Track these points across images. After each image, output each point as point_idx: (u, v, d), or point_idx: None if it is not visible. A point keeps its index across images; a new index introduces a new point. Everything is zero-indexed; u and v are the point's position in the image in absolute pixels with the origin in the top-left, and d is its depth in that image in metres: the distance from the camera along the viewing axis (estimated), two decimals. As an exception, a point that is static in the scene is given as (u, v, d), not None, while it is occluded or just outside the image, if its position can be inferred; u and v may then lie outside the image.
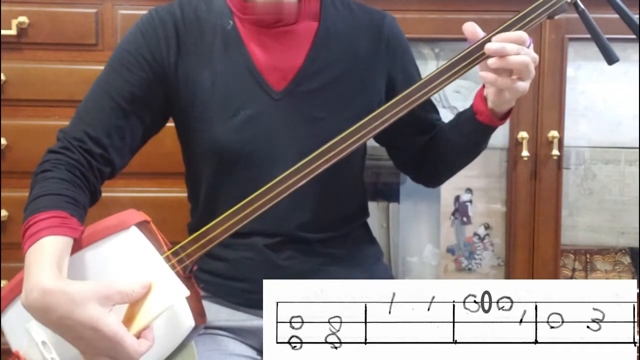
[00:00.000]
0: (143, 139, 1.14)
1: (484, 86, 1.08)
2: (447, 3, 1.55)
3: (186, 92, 1.12)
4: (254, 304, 1.14)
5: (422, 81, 1.03)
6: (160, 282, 0.92)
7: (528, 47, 1.00)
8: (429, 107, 1.22)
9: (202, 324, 0.99)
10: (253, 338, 1.16)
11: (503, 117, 1.10)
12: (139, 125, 1.11)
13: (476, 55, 1.01)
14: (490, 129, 1.11)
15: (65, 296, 0.86)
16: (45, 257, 0.90)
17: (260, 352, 1.17)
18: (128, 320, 0.91)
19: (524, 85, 1.02)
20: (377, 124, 1.02)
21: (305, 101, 1.12)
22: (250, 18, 1.12)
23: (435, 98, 1.24)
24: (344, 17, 1.17)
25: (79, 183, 1.03)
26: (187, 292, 0.93)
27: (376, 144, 1.27)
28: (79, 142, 1.06)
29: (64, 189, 0.99)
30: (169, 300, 0.92)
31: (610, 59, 1.06)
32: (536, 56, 1.01)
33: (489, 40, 1.00)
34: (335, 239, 1.17)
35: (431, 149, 1.21)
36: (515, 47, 0.98)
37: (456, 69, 1.02)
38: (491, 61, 0.99)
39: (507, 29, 1.02)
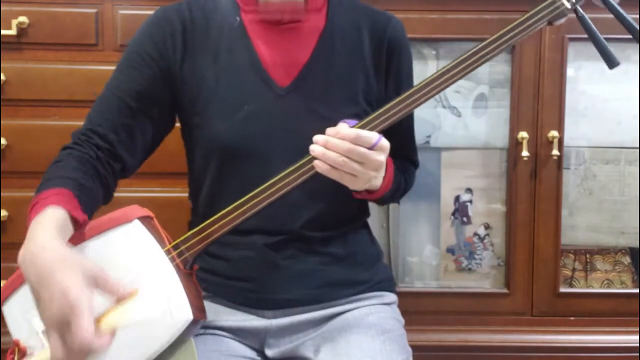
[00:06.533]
0: (154, 138, 1.16)
1: None
2: (447, 3, 1.55)
3: (191, 88, 1.13)
4: (254, 303, 1.15)
5: (420, 84, 1.04)
6: (149, 295, 0.93)
7: (373, 147, 0.99)
8: (404, 141, 1.23)
9: (201, 319, 0.99)
10: (253, 338, 1.17)
11: (372, 193, 1.09)
12: (148, 123, 1.13)
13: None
14: (368, 199, 1.13)
15: (58, 256, 0.87)
16: (49, 222, 0.92)
17: (260, 352, 1.17)
18: (102, 317, 0.91)
19: (355, 180, 1.00)
20: (377, 122, 1.02)
21: (309, 98, 1.13)
22: (257, 15, 1.12)
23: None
24: (350, 17, 1.17)
25: (85, 170, 1.05)
26: (167, 316, 0.93)
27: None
28: (87, 137, 1.09)
29: (70, 172, 1.02)
30: (142, 314, 0.92)
31: (611, 62, 1.07)
32: (377, 160, 0.99)
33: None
34: (335, 238, 1.17)
35: None
36: (341, 147, 0.97)
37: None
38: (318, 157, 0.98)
39: (506, 34, 1.02)
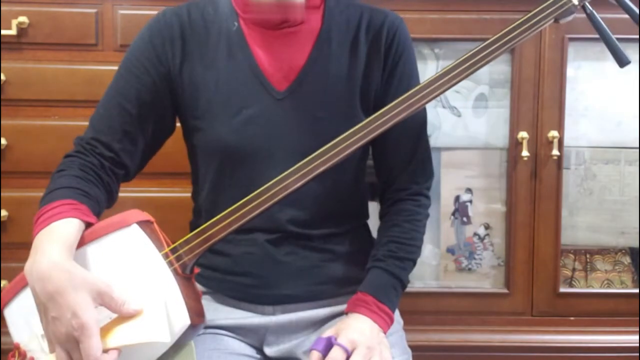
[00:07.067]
0: (156, 141, 1.16)
1: None
2: (447, 3, 1.55)
3: (191, 93, 1.13)
4: (255, 298, 1.15)
5: (422, 84, 1.03)
6: (152, 315, 0.93)
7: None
8: (412, 151, 1.20)
9: (199, 323, 0.99)
10: (253, 336, 1.17)
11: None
12: (149, 128, 1.13)
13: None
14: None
15: (67, 274, 0.89)
16: (56, 237, 0.93)
17: (260, 350, 1.18)
18: (106, 331, 0.92)
19: None
20: (378, 124, 1.02)
21: (307, 101, 1.13)
22: (254, 19, 1.12)
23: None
24: (346, 16, 1.17)
25: (90, 179, 1.06)
26: (168, 339, 0.93)
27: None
28: (92, 146, 1.10)
29: (74, 183, 1.03)
30: (147, 337, 0.92)
31: (622, 61, 1.05)
32: None
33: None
34: (335, 235, 1.18)
35: (382, 217, 1.22)
36: None
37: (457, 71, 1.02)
38: None
39: (511, 32, 1.01)
